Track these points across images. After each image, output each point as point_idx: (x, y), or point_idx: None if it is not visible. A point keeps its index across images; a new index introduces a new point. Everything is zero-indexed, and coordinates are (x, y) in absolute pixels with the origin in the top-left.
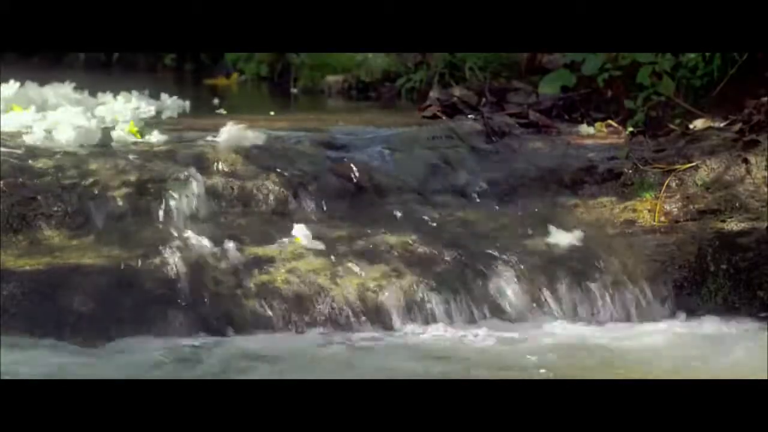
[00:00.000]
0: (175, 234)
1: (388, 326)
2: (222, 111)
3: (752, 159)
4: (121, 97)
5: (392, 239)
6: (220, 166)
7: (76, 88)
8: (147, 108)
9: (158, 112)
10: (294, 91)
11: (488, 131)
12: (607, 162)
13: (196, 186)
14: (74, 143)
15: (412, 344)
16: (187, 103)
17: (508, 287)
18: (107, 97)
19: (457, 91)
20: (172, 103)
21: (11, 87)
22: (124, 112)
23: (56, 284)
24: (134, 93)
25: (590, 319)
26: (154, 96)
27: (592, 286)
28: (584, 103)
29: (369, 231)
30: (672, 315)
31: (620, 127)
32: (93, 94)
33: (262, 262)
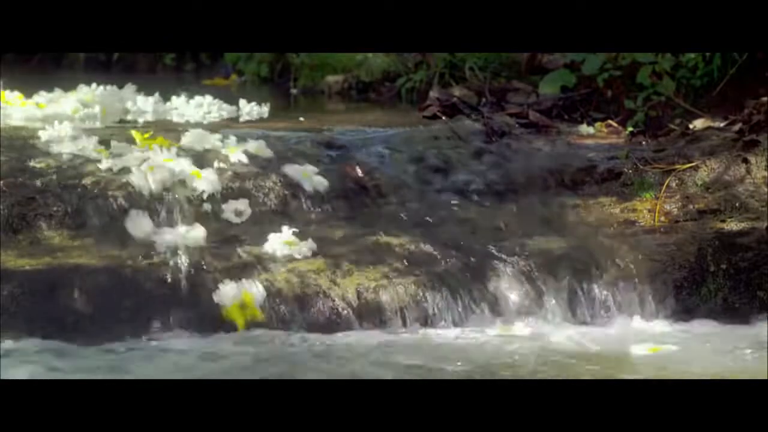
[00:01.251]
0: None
1: (387, 326)
2: (301, 118)
3: (752, 159)
4: (193, 102)
5: (392, 239)
6: (220, 166)
7: (138, 91)
8: (218, 113)
9: (234, 118)
10: (294, 91)
11: (488, 131)
12: (607, 162)
13: (196, 186)
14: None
15: (412, 344)
16: (266, 109)
17: (507, 287)
18: (179, 100)
19: (457, 91)
20: (250, 109)
21: (93, 90)
22: (195, 117)
23: (56, 284)
24: (207, 97)
25: (590, 319)
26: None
27: (592, 285)
28: (584, 103)
29: (369, 231)
30: (672, 315)
31: (620, 127)
32: (166, 97)
33: (262, 262)
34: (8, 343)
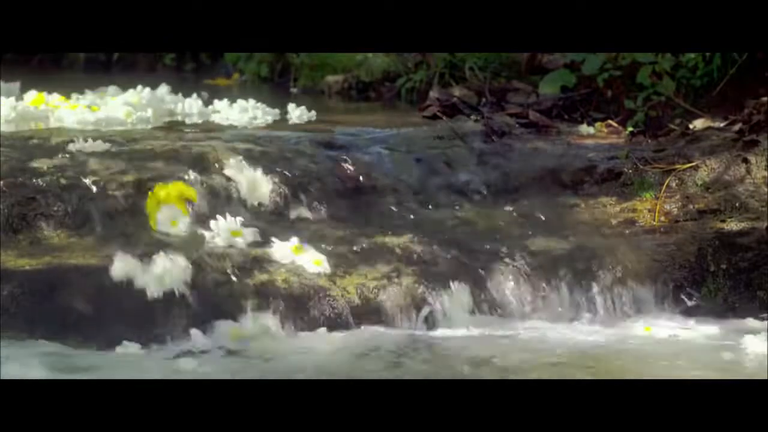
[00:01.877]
0: (175, 234)
1: (387, 326)
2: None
3: (752, 159)
4: (237, 106)
5: (392, 239)
6: (220, 166)
7: (170, 92)
8: (264, 118)
9: (278, 121)
10: (294, 91)
11: (488, 131)
12: (607, 162)
13: (196, 186)
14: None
15: (411, 344)
16: (314, 113)
17: (507, 287)
18: (222, 104)
19: (457, 91)
20: (301, 113)
21: (139, 92)
22: (240, 122)
23: (56, 284)
24: (251, 101)
25: (590, 319)
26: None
27: (592, 285)
28: (584, 103)
29: (369, 231)
30: (672, 315)
31: (620, 127)
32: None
33: (262, 262)
34: (8, 343)
